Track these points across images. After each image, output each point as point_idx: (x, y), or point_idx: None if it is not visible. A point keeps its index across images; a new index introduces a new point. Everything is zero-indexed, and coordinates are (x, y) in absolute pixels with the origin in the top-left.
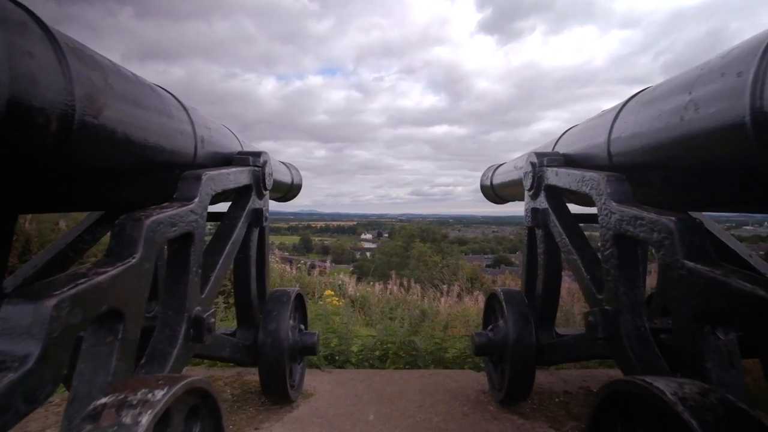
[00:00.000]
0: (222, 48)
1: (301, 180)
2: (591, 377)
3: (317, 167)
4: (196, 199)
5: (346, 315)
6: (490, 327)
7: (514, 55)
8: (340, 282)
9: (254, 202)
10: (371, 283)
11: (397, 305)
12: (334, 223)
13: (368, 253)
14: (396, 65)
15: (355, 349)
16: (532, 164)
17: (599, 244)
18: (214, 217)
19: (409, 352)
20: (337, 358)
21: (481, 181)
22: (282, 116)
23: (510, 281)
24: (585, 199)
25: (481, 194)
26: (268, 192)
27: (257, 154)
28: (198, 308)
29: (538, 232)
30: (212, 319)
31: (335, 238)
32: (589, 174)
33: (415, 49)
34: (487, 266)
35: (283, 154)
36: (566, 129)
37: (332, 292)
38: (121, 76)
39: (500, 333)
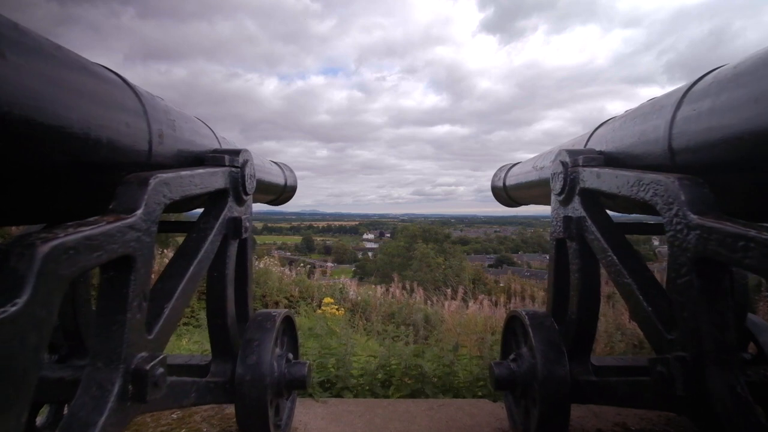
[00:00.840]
0: (224, 48)
1: (295, 181)
2: (628, 411)
3: (319, 167)
4: (140, 211)
5: (345, 335)
6: (512, 357)
7: (516, 55)
8: (341, 286)
9: (232, 210)
10: (373, 286)
11: (400, 310)
12: (336, 223)
13: (370, 253)
14: (398, 65)
15: (354, 372)
16: (563, 164)
17: (668, 268)
18: (180, 227)
19: (415, 376)
20: (333, 383)
21: (493, 182)
22: (284, 116)
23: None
24: (627, 207)
25: (483, 194)
26: (250, 197)
27: (235, 153)
28: (142, 355)
29: (571, 245)
30: (160, 369)
31: (337, 238)
32: (651, 176)
33: (417, 49)
34: (489, 266)
35: (285, 154)
36: (602, 122)
37: (332, 300)
38: (39, 50)
39: (525, 364)
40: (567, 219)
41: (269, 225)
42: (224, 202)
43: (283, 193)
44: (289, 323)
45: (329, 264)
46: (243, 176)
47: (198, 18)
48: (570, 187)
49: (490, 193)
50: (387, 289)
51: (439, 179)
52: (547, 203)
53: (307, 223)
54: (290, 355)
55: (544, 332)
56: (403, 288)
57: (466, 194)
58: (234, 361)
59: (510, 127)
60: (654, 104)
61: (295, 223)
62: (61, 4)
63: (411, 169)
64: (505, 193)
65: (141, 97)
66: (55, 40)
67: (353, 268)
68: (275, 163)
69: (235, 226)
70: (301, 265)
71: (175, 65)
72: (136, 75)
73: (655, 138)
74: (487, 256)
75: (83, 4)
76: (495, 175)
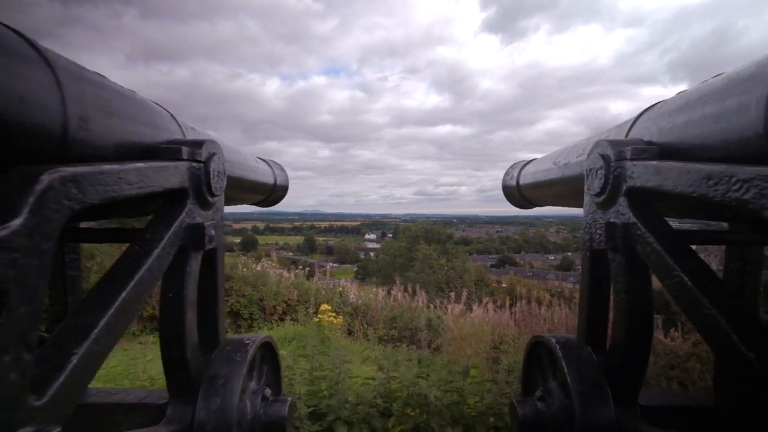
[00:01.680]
0: (226, 48)
1: (286, 180)
2: None
3: (321, 167)
4: (18, 221)
5: (338, 356)
6: (539, 393)
7: (518, 55)
8: (341, 289)
9: (192, 214)
10: (375, 288)
11: (401, 314)
12: (338, 223)
13: (372, 254)
14: (400, 65)
15: (350, 398)
16: (604, 158)
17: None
18: (118, 236)
19: (420, 405)
20: (325, 414)
21: (504, 181)
22: (286, 116)
23: (516, 282)
24: (686, 211)
25: (485, 194)
26: (219, 199)
27: (196, 144)
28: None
29: (614, 258)
30: None
31: (339, 238)
32: (751, 170)
33: (418, 49)
34: (492, 266)
35: (287, 154)
36: (646, 108)
37: (329, 307)
38: None
39: (556, 404)
40: (610, 226)
41: (271, 225)
42: (181, 205)
43: (272, 193)
44: (268, 350)
45: (330, 265)
46: (208, 173)
47: (199, 18)
48: (613, 187)
49: (492, 193)
50: (388, 292)
51: (441, 179)
52: (569, 204)
53: (309, 224)
54: (268, 391)
55: (581, 366)
56: (405, 291)
57: (468, 194)
58: (195, 402)
59: (512, 127)
60: (729, 80)
61: (297, 224)
62: (63, 4)
63: (413, 169)
64: (518, 193)
65: (54, 65)
66: (58, 40)
67: (355, 269)
68: (263, 159)
69: (195, 235)
70: (300, 266)
71: (176, 66)
72: (138, 75)
73: (742, 124)
74: (489, 256)
75: (85, 5)
76: (506, 173)
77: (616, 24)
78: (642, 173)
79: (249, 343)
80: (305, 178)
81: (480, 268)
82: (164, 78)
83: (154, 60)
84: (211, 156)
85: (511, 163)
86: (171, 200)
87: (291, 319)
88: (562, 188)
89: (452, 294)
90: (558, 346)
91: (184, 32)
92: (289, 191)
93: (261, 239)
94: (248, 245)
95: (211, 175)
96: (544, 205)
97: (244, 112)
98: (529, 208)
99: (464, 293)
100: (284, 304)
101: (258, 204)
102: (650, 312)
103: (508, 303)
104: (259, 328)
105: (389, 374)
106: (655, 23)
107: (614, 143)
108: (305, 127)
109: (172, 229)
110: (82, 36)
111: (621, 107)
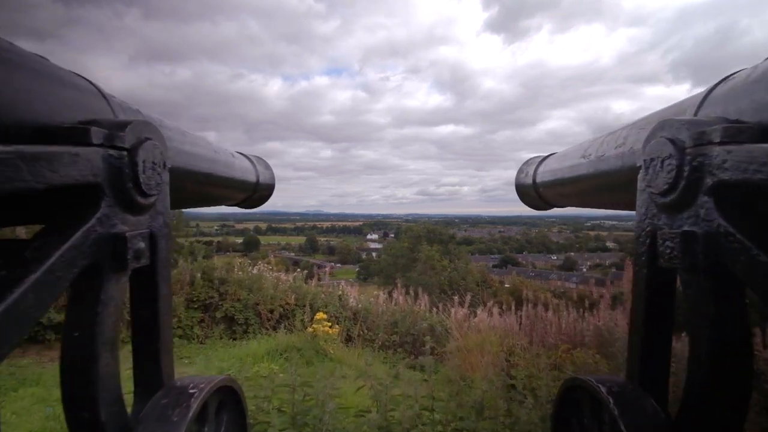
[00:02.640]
0: (228, 49)
1: (272, 178)
2: None
3: (323, 168)
4: None
5: (321, 389)
6: None
7: (520, 54)
8: (340, 292)
9: (109, 222)
10: (375, 292)
11: (403, 318)
12: (340, 224)
13: (374, 254)
14: (402, 65)
15: None
16: (674, 143)
17: None
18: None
19: None
20: None
21: (518, 179)
22: (288, 117)
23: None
24: None
25: (487, 194)
26: (157, 199)
27: (118, 126)
28: None
29: (693, 281)
30: None
31: (341, 238)
32: None
33: (420, 49)
34: (494, 266)
35: (289, 154)
36: (722, 78)
37: (324, 316)
38: None
39: None
40: (688, 237)
41: (273, 225)
42: (90, 208)
43: (254, 192)
44: (228, 395)
45: (330, 265)
46: (134, 164)
47: (201, 19)
48: (691, 182)
49: (495, 193)
50: (390, 295)
51: (443, 179)
52: (602, 206)
53: (311, 224)
54: None
55: (645, 423)
56: (407, 293)
57: (470, 194)
58: None
59: (514, 127)
60: None
61: (299, 224)
62: (65, 5)
63: (415, 169)
64: (534, 192)
65: None
66: (60, 41)
67: (357, 269)
68: (243, 154)
69: (114, 250)
70: (299, 269)
71: (179, 66)
72: (141, 76)
73: None
74: (492, 256)
75: (87, 6)
76: (520, 170)
77: (619, 23)
78: (737, 162)
79: (194, 393)
80: (307, 178)
81: (482, 268)
82: (167, 79)
83: (156, 61)
84: (141, 142)
85: (527, 159)
86: (75, 201)
87: (285, 327)
88: (594, 186)
89: (456, 297)
90: (610, 397)
91: (186, 33)
92: (291, 192)
93: (263, 239)
94: (250, 245)
95: (140, 168)
96: (565, 206)
97: (246, 112)
98: (546, 209)
99: (468, 296)
100: (281, 309)
101: (240, 205)
102: (749, 352)
103: (513, 306)
104: (254, 334)
105: (387, 410)
106: (658, 22)
107: (691, 123)
108: (307, 127)
109: (70, 243)
110: (85, 37)
111: (623, 107)
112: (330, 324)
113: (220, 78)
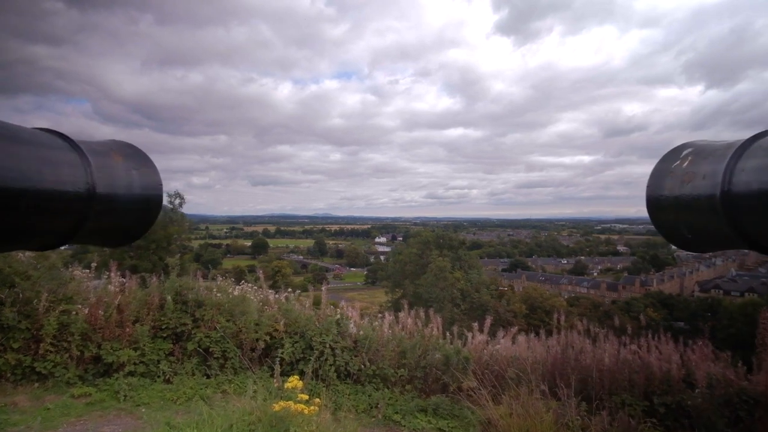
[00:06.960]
0: (239, 53)
1: (149, 188)
2: None
3: (332, 171)
4: None
5: None
6: None
7: (531, 57)
8: (338, 316)
9: None
10: (379, 316)
11: (412, 348)
12: (349, 227)
13: (382, 257)
14: (411, 68)
15: None
16: None
17: None
18: None
19: None
20: None
21: (650, 191)
22: (298, 120)
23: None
24: None
25: (496, 197)
26: None
27: None
28: None
29: None
30: None
31: (350, 241)
32: None
33: (430, 52)
34: (503, 270)
35: (298, 158)
36: None
37: (300, 383)
38: None
39: None
40: None
41: (282, 229)
42: None
43: (82, 215)
44: None
45: (337, 267)
46: None
47: (214, 24)
48: None
49: (504, 196)
50: (396, 317)
51: (451, 182)
52: None
53: (320, 227)
54: None
55: None
56: (417, 316)
57: (479, 197)
58: None
59: (524, 130)
60: None
61: (307, 227)
62: (81, 11)
63: (424, 172)
64: (725, 217)
65: None
66: (75, 47)
67: (365, 272)
68: (59, 133)
69: None
70: (289, 289)
71: (191, 71)
72: (154, 81)
73: None
74: (501, 260)
75: (102, 12)
76: (671, 171)
77: (631, 25)
78: None
79: None
80: (317, 181)
81: (492, 272)
82: (179, 83)
83: (169, 65)
84: None
85: (676, 146)
86: None
87: (267, 366)
88: None
89: (475, 324)
90: None
91: (198, 37)
92: (300, 195)
93: (272, 242)
94: (259, 248)
95: None
96: None
97: (257, 116)
98: (744, 249)
99: (487, 320)
100: (267, 337)
101: (52, 245)
102: None
103: (543, 333)
104: (233, 371)
105: None
106: (672, 23)
107: None
108: (317, 130)
109: None
110: (100, 42)
111: (635, 109)
112: (308, 396)
113: (232, 82)
